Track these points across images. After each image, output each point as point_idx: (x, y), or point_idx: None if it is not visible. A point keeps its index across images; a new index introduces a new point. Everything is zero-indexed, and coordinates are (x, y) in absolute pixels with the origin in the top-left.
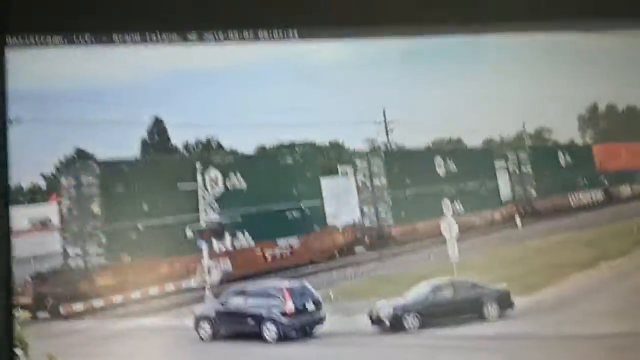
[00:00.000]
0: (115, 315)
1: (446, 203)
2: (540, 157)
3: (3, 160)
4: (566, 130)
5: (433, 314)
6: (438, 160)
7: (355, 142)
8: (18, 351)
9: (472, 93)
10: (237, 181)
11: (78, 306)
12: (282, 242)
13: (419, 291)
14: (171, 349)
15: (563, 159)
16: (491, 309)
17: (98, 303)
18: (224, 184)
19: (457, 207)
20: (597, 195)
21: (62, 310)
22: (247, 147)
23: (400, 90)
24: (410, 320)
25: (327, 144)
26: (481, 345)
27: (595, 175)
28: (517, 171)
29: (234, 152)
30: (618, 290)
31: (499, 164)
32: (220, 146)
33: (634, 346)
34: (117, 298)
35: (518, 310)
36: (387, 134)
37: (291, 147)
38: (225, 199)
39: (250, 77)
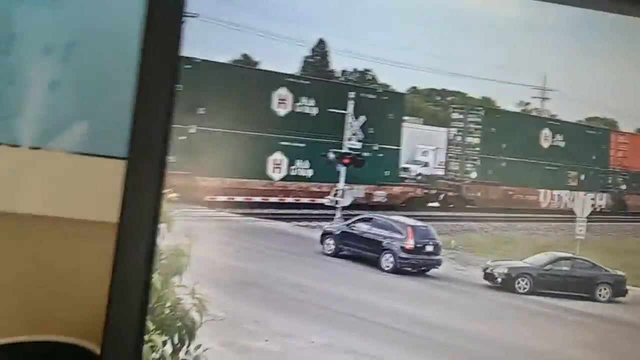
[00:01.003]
0: (252, 214)
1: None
2: (502, 128)
3: (176, 52)
4: None
5: (545, 284)
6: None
7: (506, 103)
8: (163, 226)
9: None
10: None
11: (222, 197)
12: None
13: (538, 259)
14: (296, 255)
15: (549, 138)
16: (604, 292)
17: (239, 198)
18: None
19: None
20: (602, 200)
21: (206, 198)
22: (398, 85)
23: (563, 61)
24: (522, 284)
25: (480, 97)
26: (584, 322)
27: (605, 172)
28: (461, 140)
29: (384, 87)
30: None
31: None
32: (374, 80)
33: None
34: (257, 199)
35: (630, 299)
36: (541, 101)
37: (442, 92)
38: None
39: (417, 19)
